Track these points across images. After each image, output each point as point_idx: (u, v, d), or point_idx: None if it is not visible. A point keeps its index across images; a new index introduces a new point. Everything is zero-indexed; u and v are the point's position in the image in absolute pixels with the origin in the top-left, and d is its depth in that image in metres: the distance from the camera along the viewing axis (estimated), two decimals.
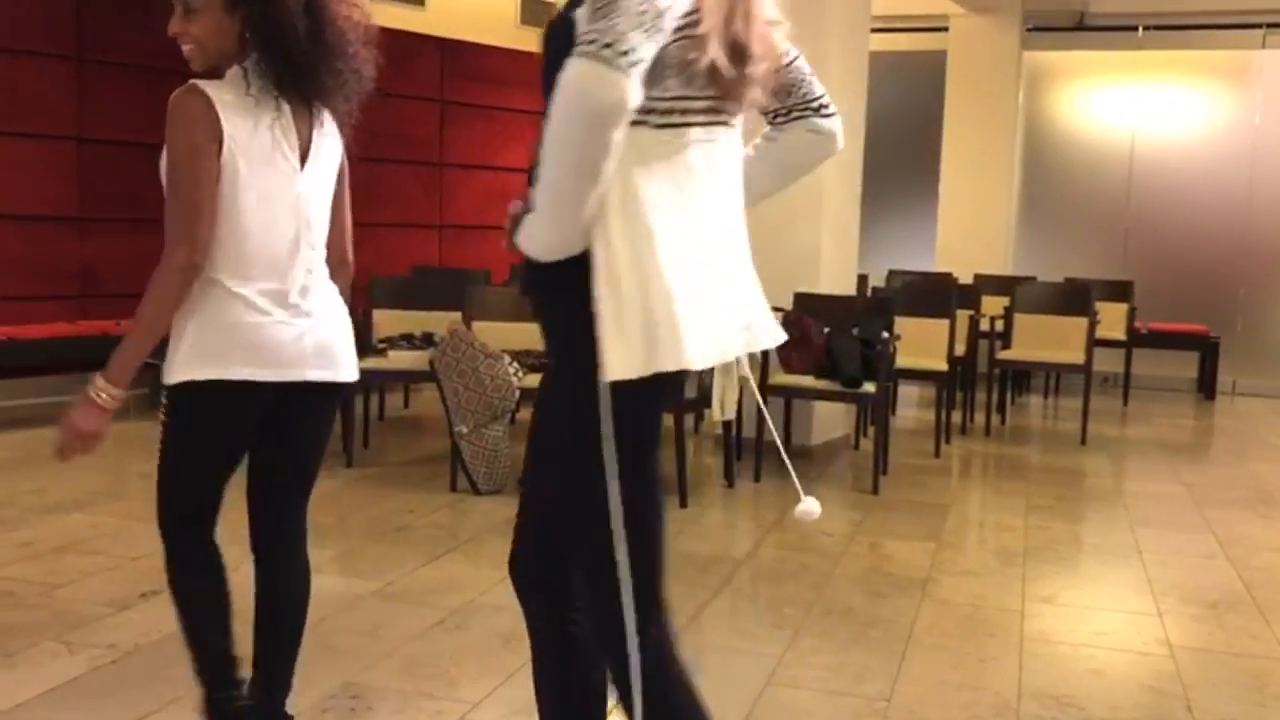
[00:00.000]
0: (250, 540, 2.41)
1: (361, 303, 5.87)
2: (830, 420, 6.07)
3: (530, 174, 1.58)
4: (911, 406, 7.72)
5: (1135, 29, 9.06)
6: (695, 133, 1.61)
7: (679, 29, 1.53)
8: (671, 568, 4.00)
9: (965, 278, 8.10)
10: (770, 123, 1.85)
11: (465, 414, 5.03)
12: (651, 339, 1.54)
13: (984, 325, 7.19)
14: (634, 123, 1.50)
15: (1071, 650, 3.41)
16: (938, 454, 6.18)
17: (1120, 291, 8.12)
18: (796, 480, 1.98)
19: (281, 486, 2.43)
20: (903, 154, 9.43)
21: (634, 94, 1.44)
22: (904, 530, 4.68)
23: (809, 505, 1.94)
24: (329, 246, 2.34)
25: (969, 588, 3.97)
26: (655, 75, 1.51)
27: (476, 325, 5.47)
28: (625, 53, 1.43)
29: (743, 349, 1.71)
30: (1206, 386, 8.69)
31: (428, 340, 5.67)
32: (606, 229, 1.54)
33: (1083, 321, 6.84)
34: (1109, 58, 9.32)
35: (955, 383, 6.81)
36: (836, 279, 6.06)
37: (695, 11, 1.54)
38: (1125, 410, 7.92)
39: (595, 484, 1.60)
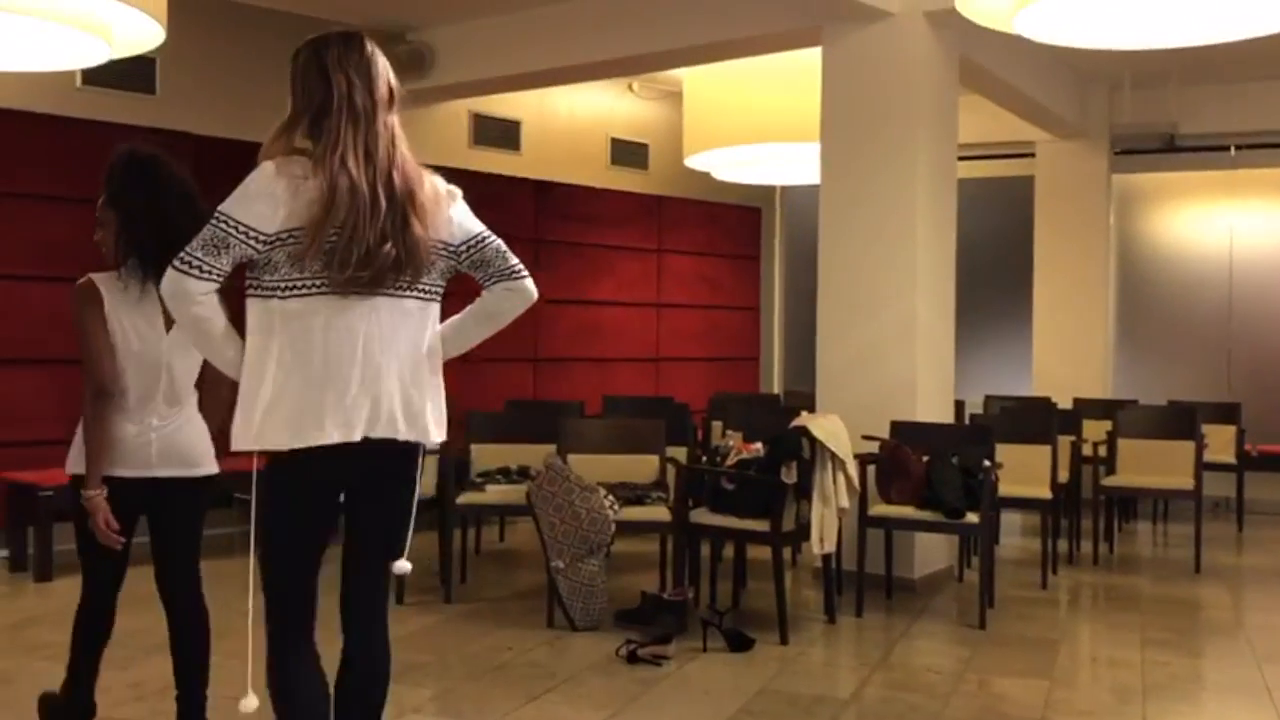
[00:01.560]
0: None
1: (459, 438, 5.96)
2: (932, 551, 5.94)
3: None
4: (1014, 535, 7.51)
5: (1228, 148, 8.98)
6: (321, 300, 2.42)
7: (285, 239, 2.38)
8: (773, 709, 3.92)
9: (1064, 402, 7.95)
10: (480, 285, 2.65)
11: (561, 548, 5.02)
12: (250, 428, 2.42)
13: (1086, 451, 7.02)
14: (265, 295, 2.42)
15: None
16: (1045, 585, 5.99)
17: (1227, 413, 7.88)
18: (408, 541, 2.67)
19: (168, 560, 3.33)
20: (994, 279, 9.38)
21: (197, 285, 2.38)
22: (1014, 667, 4.52)
23: (401, 564, 2.67)
24: (216, 384, 3.18)
25: None
26: (269, 267, 2.41)
27: (571, 458, 5.49)
28: (190, 263, 2.38)
29: (376, 433, 2.48)
30: None
31: (524, 474, 5.71)
32: (245, 362, 2.45)
33: (1189, 445, 6.65)
34: (1202, 178, 9.23)
35: (1059, 510, 6.63)
36: (933, 407, 5.99)
37: (300, 229, 2.37)
38: (1240, 536, 7.61)
39: (262, 532, 2.53)
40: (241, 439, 2.44)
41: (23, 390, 6.20)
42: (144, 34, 4.63)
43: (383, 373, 2.48)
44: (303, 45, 2.55)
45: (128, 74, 6.41)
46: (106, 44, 4.59)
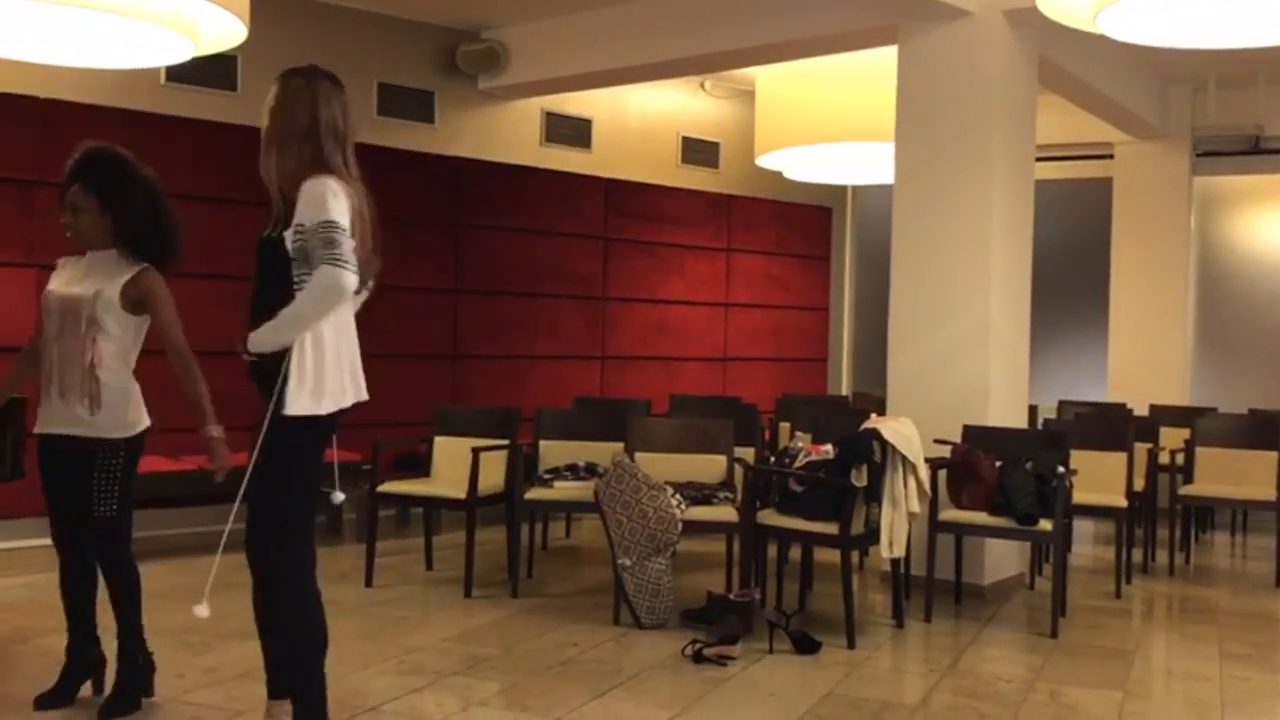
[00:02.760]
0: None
1: (528, 434, 6.01)
2: (1003, 558, 5.86)
3: (259, 308, 3.08)
4: (1087, 543, 7.38)
5: None
6: None
7: None
8: (840, 713, 3.89)
9: (1140, 408, 7.80)
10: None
11: (628, 545, 5.03)
12: (313, 396, 3.04)
13: (1163, 459, 6.88)
14: None
15: None
16: (1119, 594, 5.88)
17: None
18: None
19: None
20: (1070, 282, 9.23)
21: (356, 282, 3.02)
22: (1086, 677, 4.44)
23: (336, 495, 3.36)
24: None
25: None
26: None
27: (639, 456, 5.50)
28: (350, 261, 2.96)
29: (351, 401, 3.18)
30: None
31: (591, 471, 5.73)
32: (303, 340, 3.03)
33: (1271, 455, 6.49)
34: None
35: (1135, 519, 6.50)
36: (1006, 411, 5.91)
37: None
38: None
39: (281, 477, 3.10)
40: (309, 405, 3.04)
41: None
42: (227, 32, 4.72)
43: (357, 353, 3.22)
44: (291, 73, 3.13)
45: (210, 72, 6.53)
46: (192, 42, 4.68)
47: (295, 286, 3.00)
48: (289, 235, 3.01)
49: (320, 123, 3.05)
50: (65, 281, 3.63)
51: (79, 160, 3.62)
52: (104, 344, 3.55)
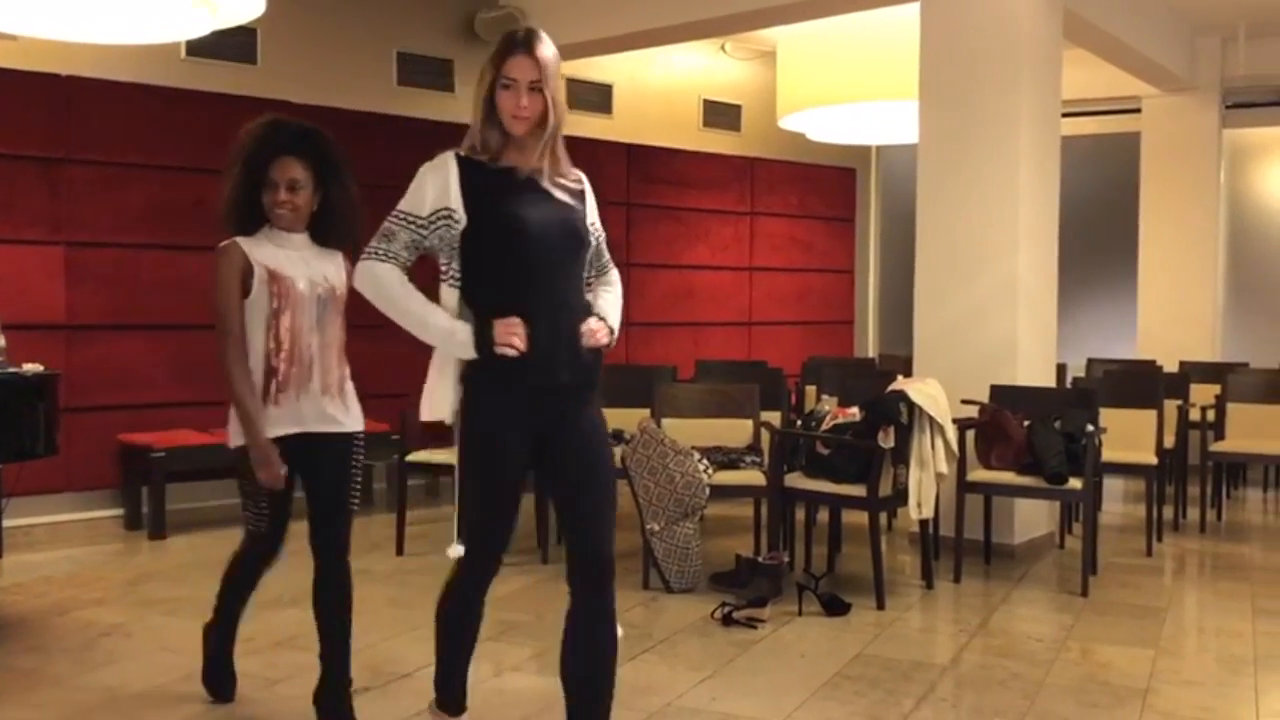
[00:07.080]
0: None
1: None
2: (1032, 518, 5.84)
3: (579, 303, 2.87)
4: (1117, 502, 7.35)
5: None
6: None
7: None
8: (870, 674, 3.91)
9: (1169, 365, 7.74)
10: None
11: (656, 511, 5.05)
12: None
13: (1194, 415, 6.83)
14: None
15: None
16: (1149, 552, 5.86)
17: None
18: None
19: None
20: (1099, 239, 9.14)
21: None
22: (1118, 635, 4.44)
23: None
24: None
25: (1195, 699, 3.72)
26: None
27: (665, 422, 5.51)
28: None
29: None
30: None
31: (617, 437, 5.73)
32: None
33: None
34: None
35: (1165, 477, 6.47)
36: (1035, 370, 5.87)
37: None
38: None
39: None
40: None
41: (135, 355, 6.40)
42: (246, 5, 4.71)
43: None
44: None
45: (230, 45, 6.53)
46: (210, 15, 4.68)
47: (587, 278, 2.91)
48: (591, 227, 2.89)
49: None
50: (295, 266, 3.23)
51: (288, 132, 3.22)
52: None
